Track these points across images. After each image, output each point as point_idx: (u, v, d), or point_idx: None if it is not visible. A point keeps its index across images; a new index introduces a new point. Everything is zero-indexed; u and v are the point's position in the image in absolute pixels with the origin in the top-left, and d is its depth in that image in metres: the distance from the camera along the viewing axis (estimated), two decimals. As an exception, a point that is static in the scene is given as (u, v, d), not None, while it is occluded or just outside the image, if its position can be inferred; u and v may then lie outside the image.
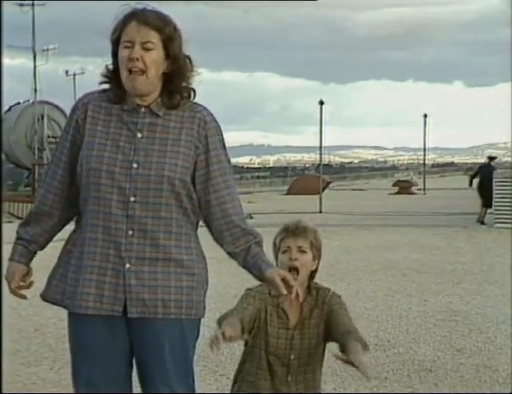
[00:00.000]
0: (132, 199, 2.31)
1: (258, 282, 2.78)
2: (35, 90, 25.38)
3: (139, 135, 2.35)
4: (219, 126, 2.43)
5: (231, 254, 2.44)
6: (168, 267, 2.34)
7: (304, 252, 2.82)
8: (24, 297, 2.45)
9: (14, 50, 26.57)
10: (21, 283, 2.44)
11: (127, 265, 2.32)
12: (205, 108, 2.41)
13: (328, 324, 2.80)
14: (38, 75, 25.51)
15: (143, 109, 2.36)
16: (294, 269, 2.79)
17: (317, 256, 2.90)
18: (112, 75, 2.37)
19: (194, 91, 2.41)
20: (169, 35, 2.33)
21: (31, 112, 25.28)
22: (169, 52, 2.33)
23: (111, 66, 2.38)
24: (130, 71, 2.30)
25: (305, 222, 2.91)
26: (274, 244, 2.88)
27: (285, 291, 2.33)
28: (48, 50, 25.84)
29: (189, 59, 2.39)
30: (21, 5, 25.01)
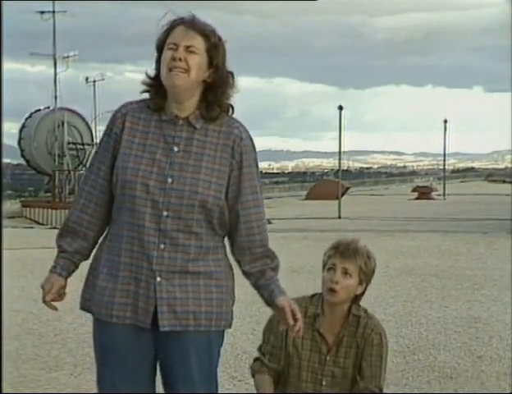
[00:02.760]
0: (165, 213, 2.33)
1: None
2: (55, 97, 25.56)
3: (176, 148, 2.36)
4: (254, 145, 2.45)
5: (246, 273, 2.45)
6: (197, 279, 2.36)
7: (348, 275, 2.74)
8: (55, 308, 2.46)
9: (35, 57, 26.78)
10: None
11: (158, 278, 2.33)
12: (242, 125, 2.43)
13: (359, 363, 2.73)
14: (58, 82, 25.71)
15: (181, 121, 2.37)
16: (332, 291, 2.74)
17: (365, 280, 2.80)
18: (153, 82, 2.38)
19: (233, 108, 2.42)
20: (214, 43, 2.35)
21: (51, 119, 25.45)
22: (212, 61, 2.35)
23: (151, 73, 2.39)
24: (171, 69, 2.31)
25: (359, 244, 2.80)
26: (323, 259, 2.83)
27: (291, 322, 2.35)
28: (68, 57, 26.01)
29: (232, 75, 2.40)
30: (42, 13, 25.24)
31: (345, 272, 2.73)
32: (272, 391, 2.68)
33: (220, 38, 2.39)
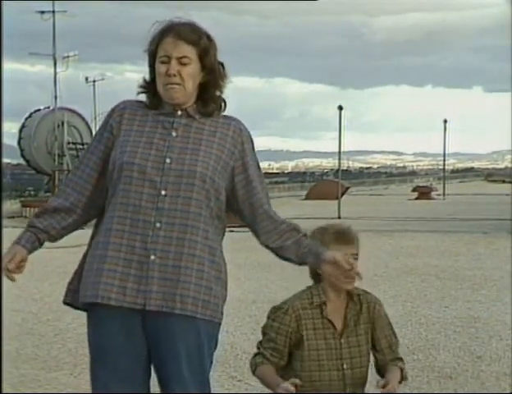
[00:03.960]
0: (163, 192, 2.35)
1: (284, 296, 2.77)
2: (55, 97, 25.56)
3: (174, 133, 2.40)
4: (251, 137, 2.52)
5: (280, 248, 2.48)
6: (192, 263, 2.36)
7: (356, 259, 2.75)
8: (14, 279, 2.41)
9: (35, 57, 26.81)
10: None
11: (152, 257, 2.34)
12: (238, 119, 2.50)
13: (372, 337, 2.81)
14: (58, 82, 25.71)
15: (179, 112, 2.42)
16: (351, 277, 2.77)
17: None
18: (149, 85, 2.43)
19: (225, 102, 2.47)
20: (204, 48, 2.39)
21: (51, 119, 25.46)
22: (205, 64, 2.40)
23: (147, 77, 2.44)
24: (168, 84, 2.37)
25: (350, 226, 2.86)
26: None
27: (348, 266, 2.41)
28: (68, 57, 26.03)
29: (223, 66, 2.45)
30: (42, 13, 25.25)
31: (355, 258, 2.78)
32: (279, 379, 2.68)
33: (209, 38, 2.41)
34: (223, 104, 2.47)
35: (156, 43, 2.39)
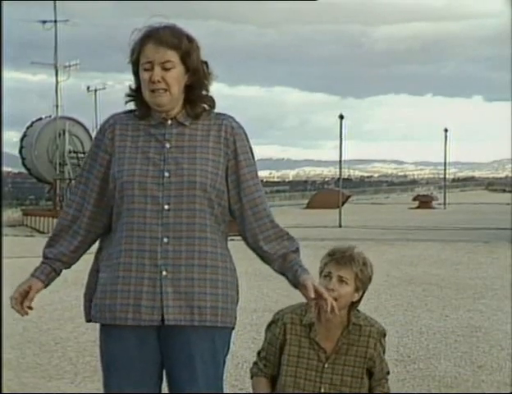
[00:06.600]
0: (166, 207, 2.34)
1: (285, 305, 2.75)
2: (57, 106, 25.66)
3: (168, 145, 2.39)
4: (245, 133, 2.49)
5: (268, 258, 2.44)
6: (204, 273, 2.36)
7: (344, 282, 2.73)
8: (22, 314, 2.40)
9: (36, 66, 26.97)
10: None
11: (163, 273, 2.34)
12: (230, 116, 2.48)
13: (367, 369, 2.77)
14: (59, 91, 25.82)
15: (169, 121, 2.41)
16: None
17: (362, 288, 2.78)
18: (136, 94, 2.42)
19: (214, 100, 2.45)
20: (186, 50, 2.38)
21: (53, 128, 25.56)
22: (188, 66, 2.39)
23: (133, 85, 2.43)
24: (153, 91, 2.35)
25: (355, 251, 2.79)
26: (320, 266, 2.82)
27: (313, 295, 2.33)
28: (69, 66, 26.15)
29: (207, 65, 2.44)
30: (44, 22, 25.38)
31: (341, 280, 2.73)
32: (268, 391, 2.68)
33: (190, 39, 2.40)
34: (212, 103, 2.45)
35: (137, 50, 2.38)
